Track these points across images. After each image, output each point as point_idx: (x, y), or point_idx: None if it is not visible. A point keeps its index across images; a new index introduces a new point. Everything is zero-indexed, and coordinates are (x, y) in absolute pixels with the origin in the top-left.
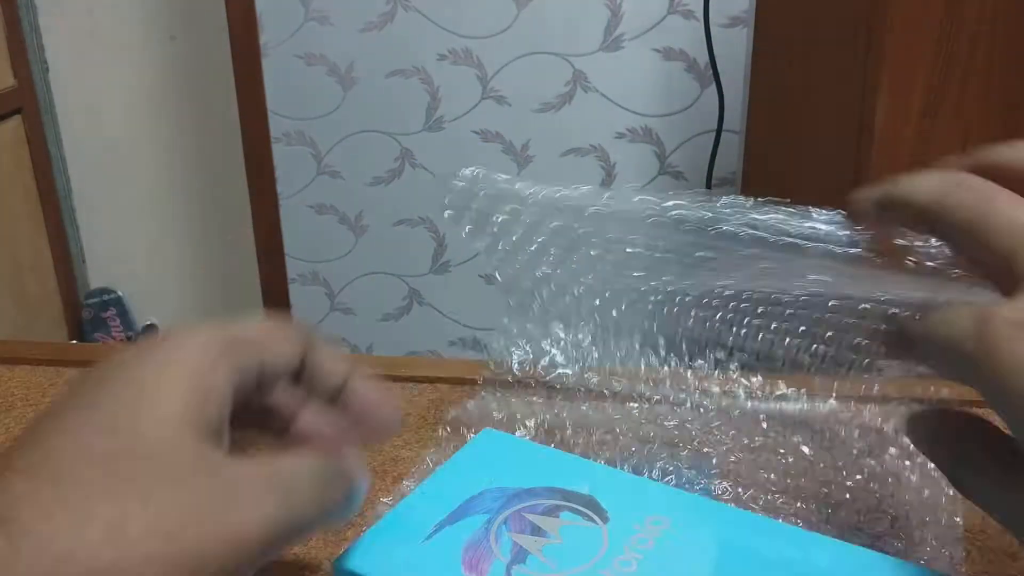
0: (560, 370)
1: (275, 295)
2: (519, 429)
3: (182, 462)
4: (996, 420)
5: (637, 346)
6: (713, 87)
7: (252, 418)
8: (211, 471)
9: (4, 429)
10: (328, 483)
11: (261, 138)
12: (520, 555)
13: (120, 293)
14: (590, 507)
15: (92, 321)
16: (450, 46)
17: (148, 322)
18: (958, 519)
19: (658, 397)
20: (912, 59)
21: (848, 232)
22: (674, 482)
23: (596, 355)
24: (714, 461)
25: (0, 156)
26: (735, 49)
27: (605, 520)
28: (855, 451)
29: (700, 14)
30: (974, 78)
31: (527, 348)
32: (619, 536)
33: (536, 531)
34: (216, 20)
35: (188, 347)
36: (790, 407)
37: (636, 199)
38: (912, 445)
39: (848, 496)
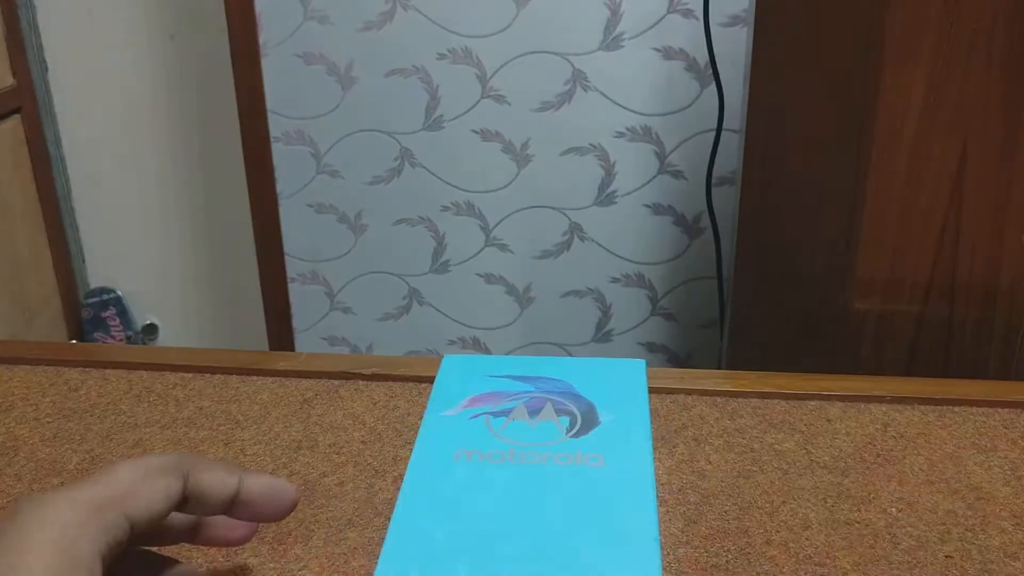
0: None
1: (275, 295)
2: None
3: None
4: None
5: None
6: (713, 86)
7: (135, 553)
8: None
9: (4, 429)
10: None
11: (260, 137)
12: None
13: (120, 293)
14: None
15: (92, 321)
16: (449, 45)
17: (148, 322)
18: None
19: None
20: (912, 59)
21: None
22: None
23: None
24: None
25: None
26: (735, 48)
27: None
28: None
29: (700, 13)
30: (974, 78)
31: None
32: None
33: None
34: (215, 20)
35: (50, 523)
36: None
37: None
38: None
39: None
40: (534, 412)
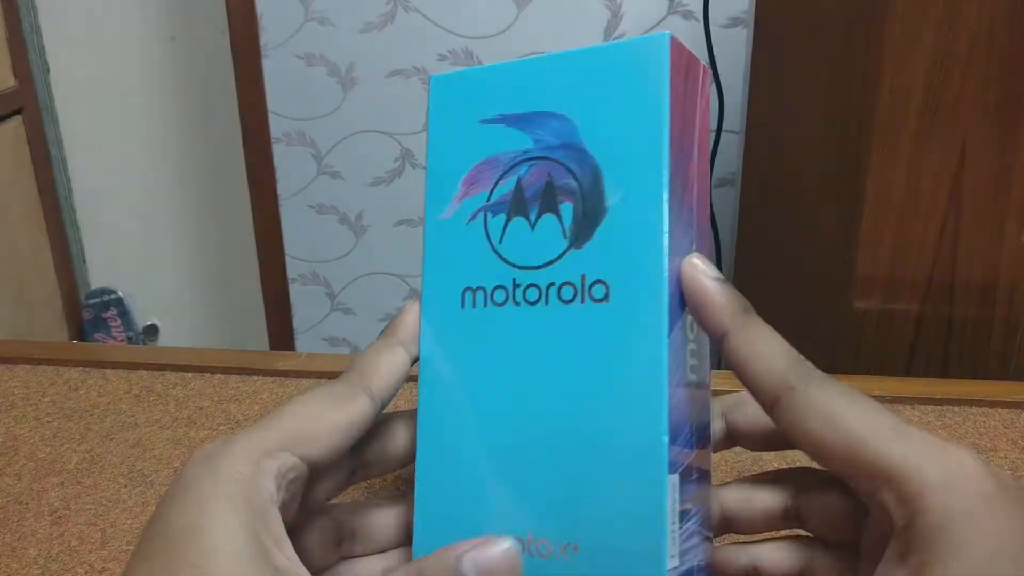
0: None
1: (275, 295)
2: None
3: None
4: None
5: None
6: (713, 87)
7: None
8: None
9: (4, 429)
10: None
11: (261, 138)
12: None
13: (120, 293)
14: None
15: (93, 321)
16: (450, 46)
17: (148, 322)
18: None
19: None
20: (912, 59)
21: None
22: None
23: None
24: None
25: (0, 156)
26: (735, 49)
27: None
28: None
29: (700, 14)
30: (974, 78)
31: None
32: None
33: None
34: (216, 20)
35: (223, 478)
36: None
37: None
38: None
39: None
40: (533, 199)
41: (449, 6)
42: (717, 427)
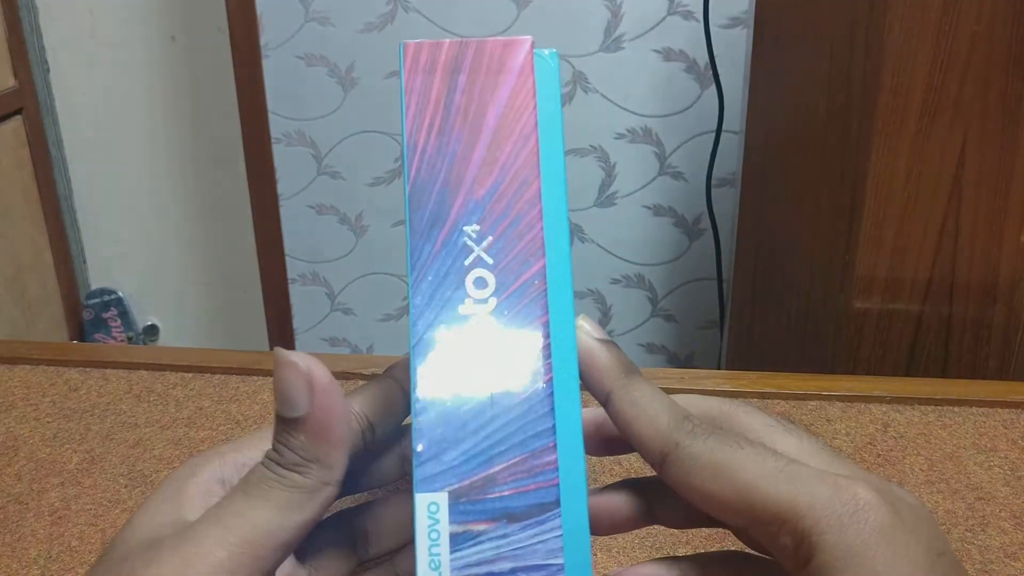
0: None
1: (275, 295)
2: None
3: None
4: None
5: None
6: (713, 88)
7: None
8: None
9: (4, 429)
10: None
11: (261, 138)
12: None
13: (120, 293)
14: None
15: (93, 321)
16: None
17: (148, 322)
18: None
19: None
20: (912, 59)
21: None
22: None
23: None
24: None
25: (0, 157)
26: (735, 50)
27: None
28: None
29: (700, 15)
30: (974, 78)
31: None
32: None
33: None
34: (216, 20)
35: (200, 470)
36: None
37: None
38: None
39: None
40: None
41: (449, 6)
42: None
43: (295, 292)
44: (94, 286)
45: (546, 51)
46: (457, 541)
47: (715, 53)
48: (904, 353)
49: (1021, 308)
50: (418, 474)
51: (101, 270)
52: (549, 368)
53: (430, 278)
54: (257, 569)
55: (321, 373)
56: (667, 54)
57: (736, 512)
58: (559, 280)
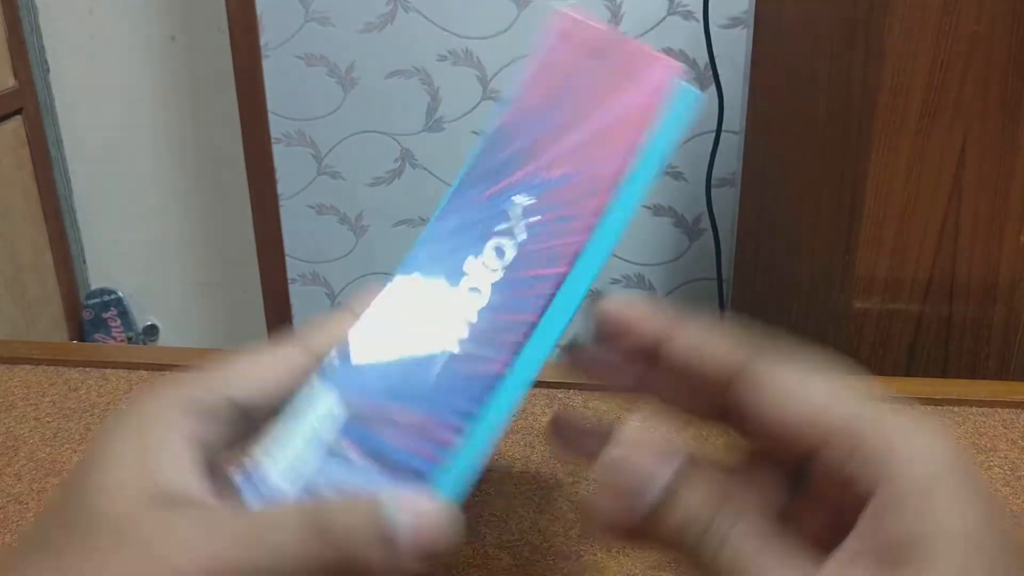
0: None
1: (275, 295)
2: None
3: (119, 534)
4: None
5: None
6: (713, 88)
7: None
8: (145, 537)
9: (4, 429)
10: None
11: (261, 138)
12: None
13: (120, 294)
14: None
15: (93, 321)
16: (450, 47)
17: (148, 322)
18: None
19: None
20: (912, 59)
21: None
22: None
23: None
24: None
25: (0, 157)
26: (735, 50)
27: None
28: None
29: (700, 15)
30: (974, 78)
31: None
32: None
33: None
34: (216, 21)
35: (144, 411)
36: None
37: None
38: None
39: None
40: None
41: (449, 6)
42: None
43: (295, 292)
44: (94, 286)
45: (695, 89)
46: (330, 453)
47: (715, 53)
48: (904, 353)
49: (1021, 308)
50: (337, 370)
51: (101, 270)
52: (508, 364)
53: (457, 220)
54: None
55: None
56: (667, 54)
57: (809, 431)
58: (569, 296)
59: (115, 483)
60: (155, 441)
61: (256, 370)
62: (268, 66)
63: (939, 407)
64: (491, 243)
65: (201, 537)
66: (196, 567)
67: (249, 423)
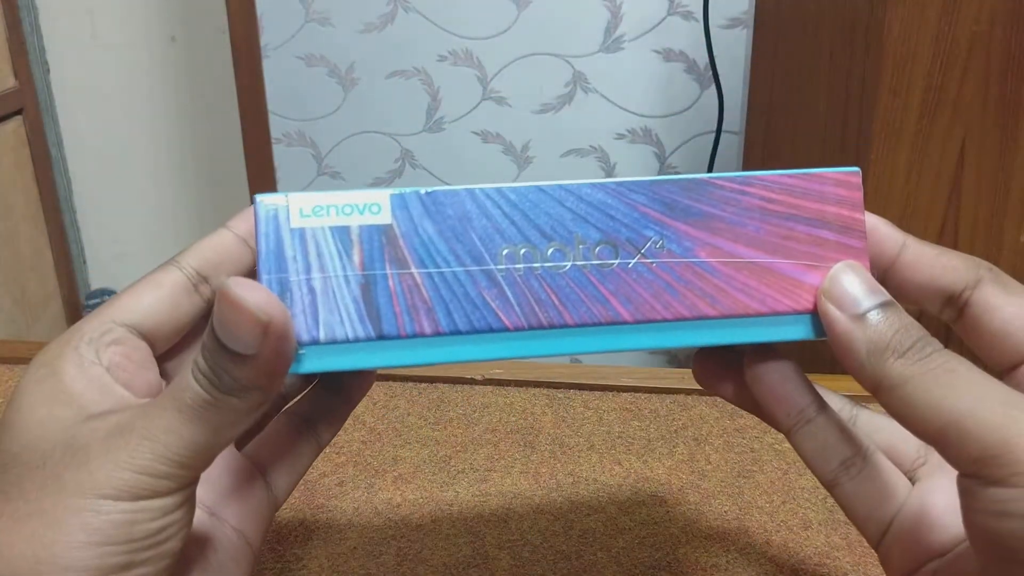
0: None
1: None
2: None
3: (37, 447)
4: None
5: None
6: (713, 88)
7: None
8: (68, 438)
9: None
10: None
11: (262, 139)
12: None
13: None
14: None
15: None
16: (450, 47)
17: None
18: None
19: None
20: (911, 59)
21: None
22: None
23: None
24: None
25: (0, 157)
26: (735, 50)
27: None
28: None
29: (700, 15)
30: (974, 78)
31: None
32: None
33: None
34: (216, 21)
35: (47, 359)
36: None
37: None
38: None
39: None
40: None
41: (449, 6)
42: None
43: None
44: (94, 286)
45: (817, 326)
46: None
47: (715, 53)
48: None
49: None
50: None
51: (101, 270)
52: (517, 327)
53: (593, 200)
54: (191, 482)
55: (280, 318)
56: (667, 54)
57: (941, 442)
58: (601, 335)
59: (43, 417)
60: (71, 376)
61: (140, 297)
62: (268, 66)
63: None
64: (607, 239)
65: (153, 427)
66: (173, 451)
67: (152, 346)
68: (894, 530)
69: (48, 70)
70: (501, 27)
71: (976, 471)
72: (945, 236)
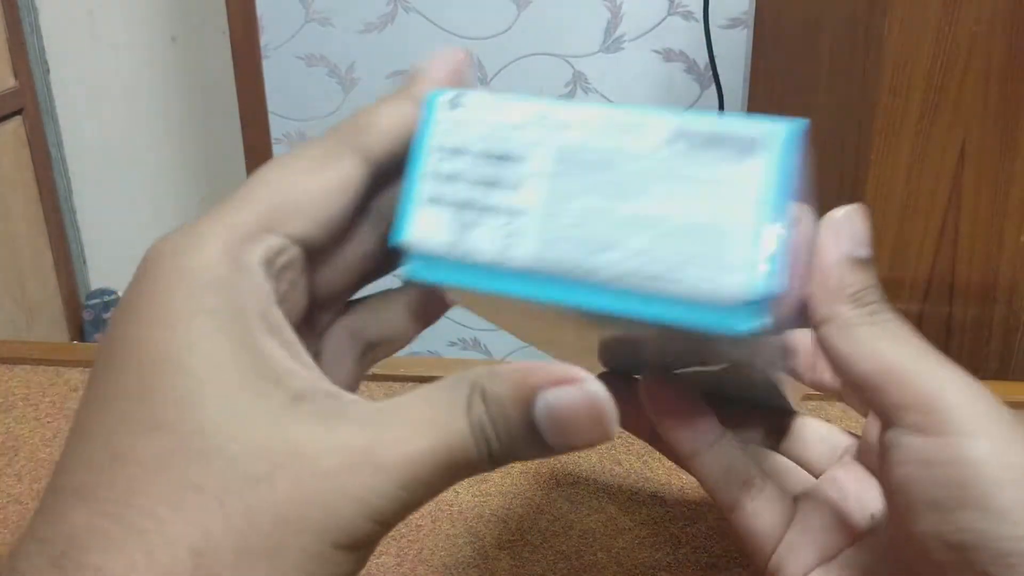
0: None
1: None
2: None
3: (249, 444)
4: None
5: None
6: (713, 88)
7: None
8: (286, 441)
9: (4, 429)
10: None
11: (262, 139)
12: None
13: (120, 294)
14: None
15: (93, 322)
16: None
17: None
18: None
19: None
20: (911, 59)
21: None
22: None
23: None
24: None
25: (0, 157)
26: (735, 50)
27: None
28: None
29: (700, 15)
30: (974, 78)
31: None
32: None
33: None
34: (216, 21)
35: (199, 282)
36: None
37: None
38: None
39: None
40: None
41: (449, 6)
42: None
43: None
44: (94, 286)
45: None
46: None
47: (715, 53)
48: None
49: (1021, 308)
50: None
51: (101, 270)
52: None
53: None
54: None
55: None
56: (667, 55)
57: (875, 385)
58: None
59: (234, 392)
60: (257, 321)
61: (310, 195)
62: (268, 66)
63: None
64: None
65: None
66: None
67: (314, 261)
68: (787, 541)
69: (48, 70)
70: (501, 27)
71: (905, 418)
72: (945, 236)
